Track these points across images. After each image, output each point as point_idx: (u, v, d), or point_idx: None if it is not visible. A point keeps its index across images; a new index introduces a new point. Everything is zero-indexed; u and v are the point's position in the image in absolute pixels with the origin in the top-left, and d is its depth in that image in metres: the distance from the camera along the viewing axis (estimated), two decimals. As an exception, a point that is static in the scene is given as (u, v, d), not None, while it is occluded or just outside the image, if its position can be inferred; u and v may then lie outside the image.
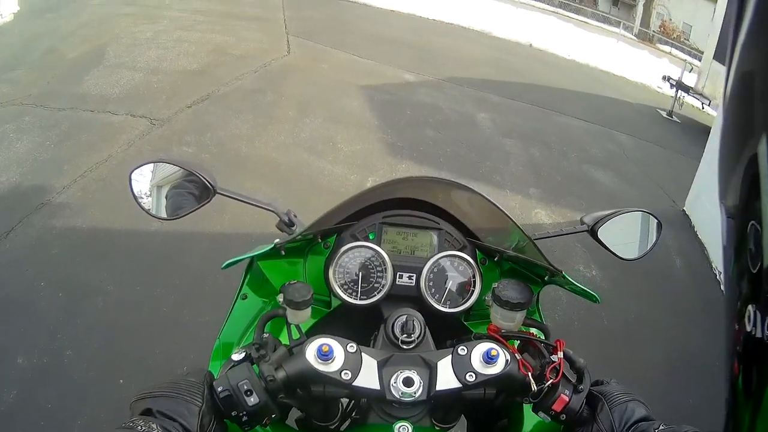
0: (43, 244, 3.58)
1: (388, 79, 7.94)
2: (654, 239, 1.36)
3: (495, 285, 1.05)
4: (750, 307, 0.46)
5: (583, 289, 1.11)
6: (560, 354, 0.95)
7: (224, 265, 1.10)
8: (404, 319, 1.02)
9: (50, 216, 3.88)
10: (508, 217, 1.14)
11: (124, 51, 7.73)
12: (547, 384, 0.92)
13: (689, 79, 11.25)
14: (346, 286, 1.17)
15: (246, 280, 1.24)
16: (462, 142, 6.22)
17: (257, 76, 7.04)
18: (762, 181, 0.43)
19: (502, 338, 1.00)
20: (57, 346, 2.85)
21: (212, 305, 3.05)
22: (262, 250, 1.14)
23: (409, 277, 1.19)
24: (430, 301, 1.18)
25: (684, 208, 5.88)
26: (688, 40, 30.14)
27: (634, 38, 25.64)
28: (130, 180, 1.22)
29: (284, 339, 1.01)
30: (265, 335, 0.98)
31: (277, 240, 1.15)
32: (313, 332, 1.11)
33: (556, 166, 6.31)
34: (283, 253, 1.18)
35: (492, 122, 7.16)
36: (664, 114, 11.10)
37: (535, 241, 1.14)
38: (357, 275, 1.17)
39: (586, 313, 3.80)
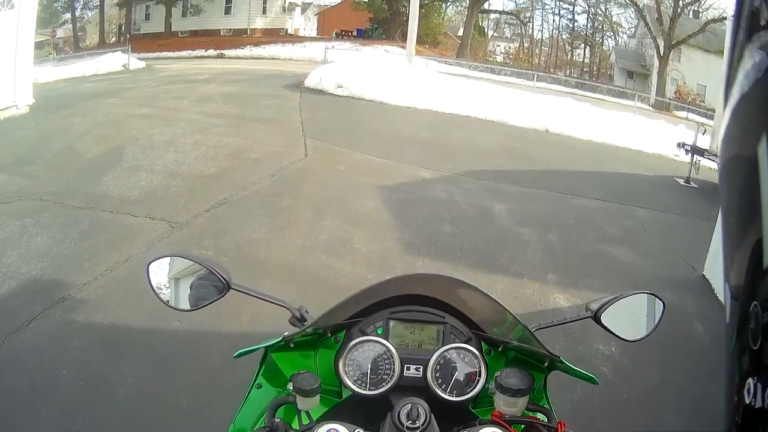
0: (64, 336, 4.36)
1: (405, 178, 8.96)
2: (658, 318, 1.57)
3: (498, 373, 1.29)
4: (750, 380, 0.52)
5: (582, 373, 1.35)
6: None
7: (236, 354, 1.41)
8: (409, 407, 1.18)
9: (70, 310, 4.72)
10: (507, 310, 1.42)
11: (142, 153, 9.08)
12: None
13: (704, 142, 11.93)
14: (355, 378, 1.38)
15: (260, 371, 1.52)
16: (479, 236, 6.98)
17: (274, 180, 8.19)
18: (762, 182, 0.49)
19: (506, 423, 1.22)
20: (77, 430, 3.50)
21: (230, 398, 3.66)
22: (272, 342, 1.39)
23: (417, 369, 1.40)
24: (437, 390, 1.38)
25: (703, 273, 6.39)
26: (703, 101, 31.84)
27: (651, 108, 27.60)
28: (148, 272, 1.50)
29: (295, 425, 1.27)
30: (276, 420, 1.23)
31: (286, 333, 1.38)
32: (323, 420, 1.26)
33: (573, 250, 6.96)
34: (292, 345, 1.43)
35: (508, 212, 7.92)
36: (681, 182, 11.83)
37: (540, 330, 1.45)
38: (366, 367, 1.38)
39: (605, 387, 4.21)
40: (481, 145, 11.80)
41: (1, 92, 12.75)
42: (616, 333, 1.55)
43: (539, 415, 1.34)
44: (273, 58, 32.99)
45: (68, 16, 46.38)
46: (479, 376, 1.39)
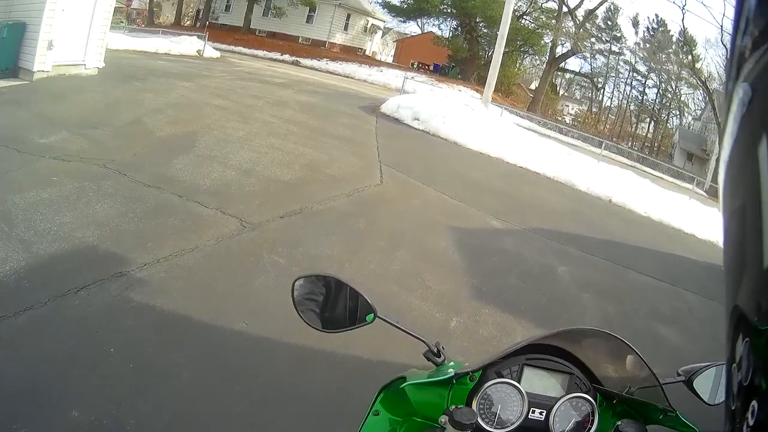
0: (118, 313, 4.38)
1: (476, 224, 9.08)
2: None
3: (618, 423, 1.49)
4: (754, 401, 0.56)
5: (693, 428, 1.52)
6: None
7: (383, 387, 1.63)
8: None
9: (127, 287, 4.75)
10: (642, 359, 1.56)
11: (216, 144, 9.33)
12: None
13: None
14: (484, 415, 1.56)
15: (379, 398, 1.65)
16: (543, 294, 7.02)
17: (350, 201, 8.28)
18: (762, 182, 0.52)
19: None
20: (121, 413, 3.43)
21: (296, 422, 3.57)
22: (424, 380, 1.60)
23: (540, 413, 1.58)
24: None
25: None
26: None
27: (705, 194, 28.38)
28: (293, 288, 1.62)
29: None
30: None
31: (451, 371, 1.57)
32: None
33: (627, 322, 7.00)
34: (454, 381, 1.60)
35: (571, 276, 8.01)
36: (728, 272, 11.69)
37: (640, 390, 1.60)
38: (497, 407, 1.56)
39: None
40: (550, 205, 11.90)
41: (71, 47, 13.38)
42: (705, 399, 1.71)
43: None
44: (348, 76, 33.69)
45: None
46: (591, 425, 1.59)
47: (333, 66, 36.25)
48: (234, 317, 4.58)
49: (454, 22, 47.56)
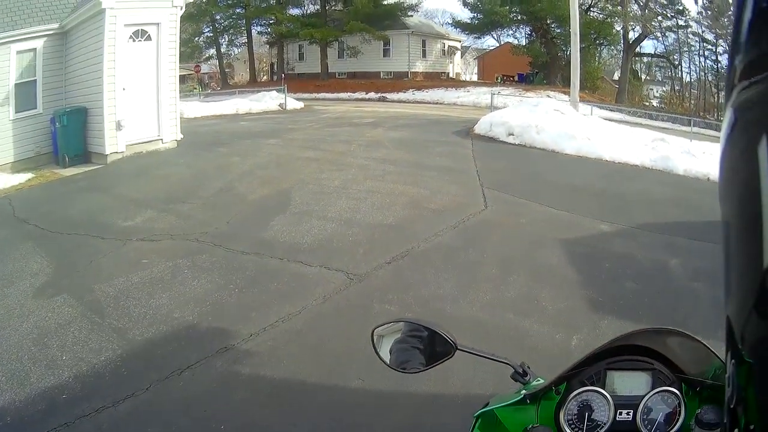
0: (226, 388, 4.46)
1: (585, 231, 8.81)
2: None
3: (698, 411, 1.53)
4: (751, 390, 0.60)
5: None
6: None
7: (477, 413, 1.77)
8: None
9: (235, 361, 4.86)
10: (710, 349, 1.65)
11: (312, 198, 9.57)
12: None
13: None
14: (573, 425, 1.65)
15: (476, 425, 1.80)
16: (658, 292, 6.71)
17: (456, 233, 8.20)
18: (762, 182, 0.55)
19: None
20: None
21: None
22: (512, 400, 1.73)
23: (627, 413, 1.65)
24: (644, 431, 1.64)
25: None
26: None
27: None
28: (373, 337, 1.80)
29: None
30: None
31: (523, 390, 1.72)
32: None
33: None
34: (528, 401, 1.73)
35: (683, 268, 7.63)
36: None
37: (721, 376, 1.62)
38: (582, 415, 1.65)
39: None
40: (652, 196, 11.39)
41: (142, 124, 14.25)
42: None
43: None
44: (437, 103, 33.98)
45: (213, 51, 50.43)
46: (679, 416, 1.63)
47: (420, 95, 36.76)
48: (349, 375, 4.56)
49: (527, 29, 47.15)
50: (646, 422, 1.63)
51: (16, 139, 13.95)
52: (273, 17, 44.97)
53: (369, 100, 35.95)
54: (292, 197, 9.53)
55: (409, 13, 46.21)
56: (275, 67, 50.59)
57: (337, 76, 44.87)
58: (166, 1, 14.31)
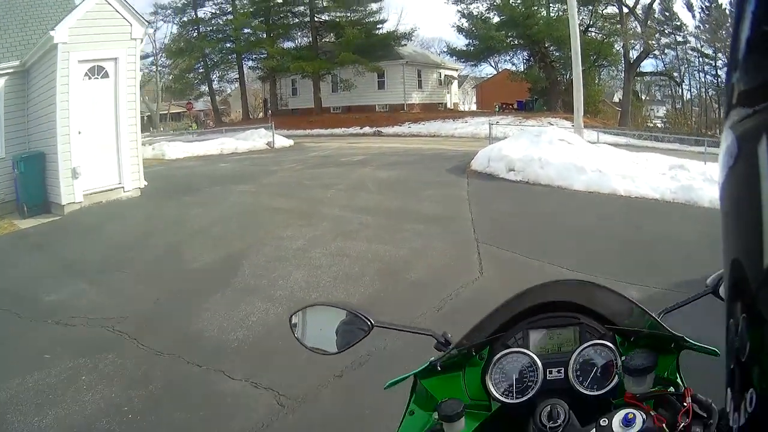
0: None
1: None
2: None
3: (623, 358, 1.52)
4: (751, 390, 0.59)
5: (704, 347, 1.55)
6: (689, 399, 1.36)
7: (386, 385, 1.63)
8: (549, 408, 1.43)
9: None
10: (633, 302, 1.64)
11: (264, 267, 7.87)
12: (680, 426, 1.32)
13: None
14: (502, 389, 1.60)
15: (412, 398, 1.71)
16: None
17: (442, 318, 6.17)
18: (762, 182, 0.53)
19: (638, 401, 1.42)
20: None
21: None
22: (421, 368, 1.64)
23: (558, 371, 1.60)
24: (578, 388, 1.57)
25: None
26: None
27: None
28: (290, 324, 1.72)
29: None
30: None
31: (432, 357, 1.62)
32: None
33: None
34: (439, 368, 1.64)
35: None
36: None
37: (665, 315, 1.68)
38: (512, 378, 1.60)
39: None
40: (685, 238, 9.51)
41: (101, 172, 12.74)
42: None
43: (671, 389, 1.55)
44: (434, 135, 32.78)
45: (205, 88, 49.25)
46: (616, 368, 1.58)
47: (416, 128, 35.49)
48: None
49: (525, 53, 46.16)
50: (580, 378, 1.59)
51: (-26, 186, 12.74)
52: (264, 51, 43.95)
53: (364, 134, 34.73)
54: (242, 266, 7.85)
55: (403, 42, 45.11)
56: (268, 103, 49.46)
57: (331, 110, 43.62)
58: (124, 34, 12.85)
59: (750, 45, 0.57)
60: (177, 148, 23.72)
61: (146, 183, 13.50)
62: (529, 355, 1.59)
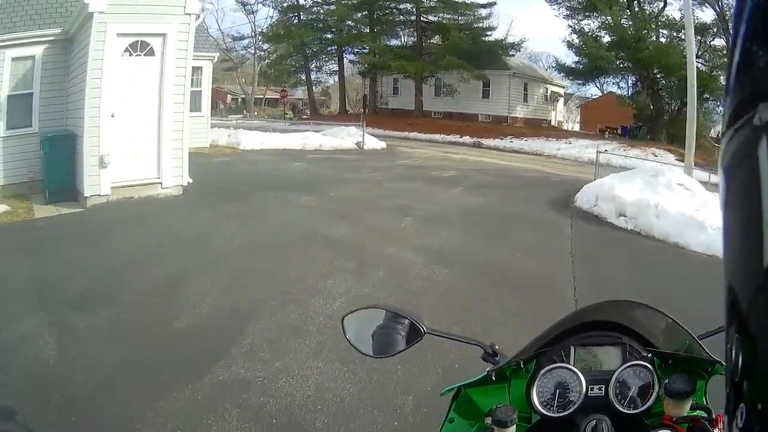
0: None
1: None
2: None
3: (666, 380, 1.58)
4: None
5: None
6: (721, 425, 1.48)
7: (443, 391, 1.74)
8: (594, 424, 1.52)
9: None
10: (676, 321, 1.67)
11: (273, 343, 5.45)
12: None
13: None
14: (545, 402, 1.64)
15: (453, 406, 1.78)
16: None
17: None
18: (762, 182, 0.53)
19: (674, 424, 1.54)
20: None
21: None
22: (476, 379, 1.69)
23: (599, 389, 1.65)
24: (617, 405, 1.63)
25: None
26: None
27: None
28: (343, 325, 1.78)
29: None
30: None
31: (488, 369, 1.67)
32: None
33: None
34: (494, 378, 1.69)
35: None
36: None
37: (703, 339, 1.67)
38: (555, 392, 1.64)
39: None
40: None
41: (139, 162, 11.00)
42: None
43: (700, 413, 1.61)
44: (536, 153, 30.23)
45: (303, 77, 48.25)
46: (653, 389, 1.66)
47: (518, 143, 32.82)
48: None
49: (632, 78, 42.93)
50: (619, 396, 1.64)
51: (6, 160, 11.37)
52: (365, 46, 42.17)
53: (463, 144, 32.50)
54: (245, 333, 5.40)
55: (511, 53, 42.59)
56: (367, 99, 47.58)
57: (432, 115, 41.44)
58: (176, 8, 10.77)
59: (750, 44, 0.57)
60: (254, 139, 21.90)
61: (191, 180, 11.45)
62: (573, 370, 1.63)
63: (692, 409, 1.58)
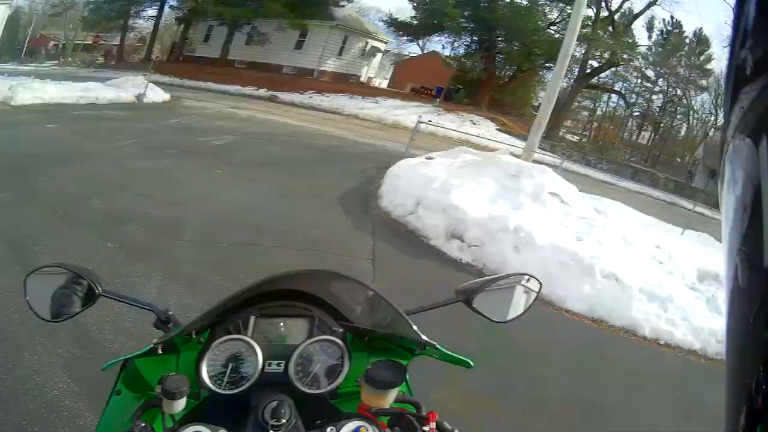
0: None
1: None
2: (533, 299, 1.77)
3: (368, 367, 1.43)
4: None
5: (456, 357, 1.54)
6: (432, 425, 1.35)
7: (105, 366, 1.53)
8: (275, 405, 1.33)
9: None
10: (380, 295, 1.58)
11: None
12: None
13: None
14: (215, 377, 1.48)
15: (120, 377, 1.61)
16: None
17: None
18: (762, 182, 0.53)
19: (374, 416, 1.36)
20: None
21: None
22: (141, 351, 1.49)
23: (278, 364, 1.51)
24: (297, 384, 1.50)
25: None
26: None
27: None
28: (25, 284, 1.57)
29: (159, 429, 1.34)
30: (142, 424, 1.31)
31: (155, 340, 1.47)
32: (185, 422, 1.35)
33: None
34: (160, 351, 1.49)
35: None
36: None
37: (409, 316, 1.54)
38: (226, 366, 1.48)
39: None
40: None
41: None
42: (488, 315, 1.71)
43: (408, 406, 1.47)
44: (334, 112, 29.28)
45: (122, 22, 46.48)
46: (341, 368, 1.53)
47: (318, 99, 31.98)
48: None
49: (470, 38, 42.78)
50: (300, 374, 1.51)
51: None
52: (186, -9, 38.34)
53: (258, 97, 31.07)
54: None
55: (341, 3, 41.16)
56: (176, 47, 45.86)
57: (236, 64, 39.51)
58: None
59: (749, 44, 0.57)
60: (31, 92, 18.46)
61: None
62: (249, 343, 1.49)
63: (399, 401, 1.46)
